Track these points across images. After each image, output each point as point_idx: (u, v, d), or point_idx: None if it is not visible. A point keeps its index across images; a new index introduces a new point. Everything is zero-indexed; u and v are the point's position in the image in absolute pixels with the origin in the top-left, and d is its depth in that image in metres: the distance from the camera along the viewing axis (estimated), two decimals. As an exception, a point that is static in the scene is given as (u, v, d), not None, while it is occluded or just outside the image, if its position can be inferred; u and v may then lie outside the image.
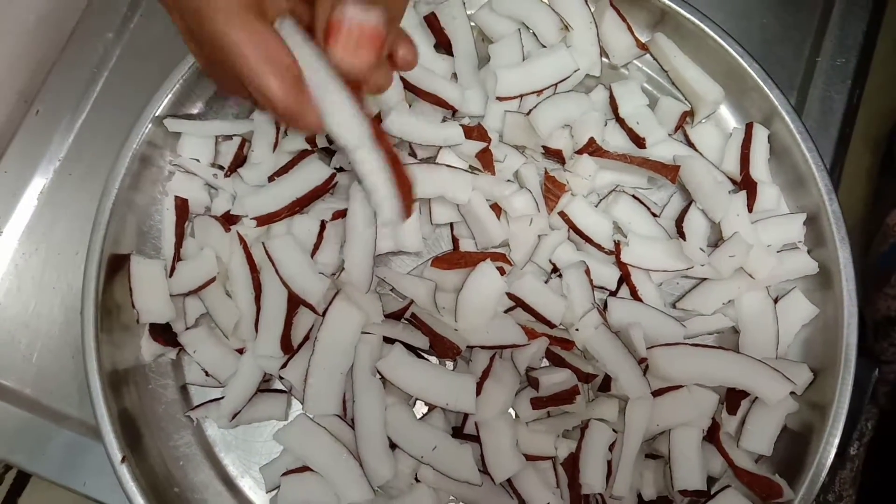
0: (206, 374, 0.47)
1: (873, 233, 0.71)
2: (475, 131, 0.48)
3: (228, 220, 0.48)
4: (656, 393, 0.45)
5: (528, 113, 0.48)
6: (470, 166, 0.48)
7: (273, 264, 0.46)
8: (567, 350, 0.46)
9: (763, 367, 0.44)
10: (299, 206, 0.47)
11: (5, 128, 0.56)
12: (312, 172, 0.47)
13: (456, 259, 0.46)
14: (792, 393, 0.45)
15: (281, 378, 0.47)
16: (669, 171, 0.47)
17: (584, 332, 0.45)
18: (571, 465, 0.45)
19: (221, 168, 0.50)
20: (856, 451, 0.72)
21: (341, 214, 0.47)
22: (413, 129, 0.46)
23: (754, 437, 0.44)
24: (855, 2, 0.54)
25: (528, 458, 0.44)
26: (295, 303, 0.46)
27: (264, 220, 0.47)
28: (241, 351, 0.48)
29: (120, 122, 0.52)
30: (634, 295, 0.47)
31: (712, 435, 0.45)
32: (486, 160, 0.47)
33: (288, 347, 0.46)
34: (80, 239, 0.52)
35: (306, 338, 0.47)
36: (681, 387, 0.45)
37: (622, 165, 0.47)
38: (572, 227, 0.47)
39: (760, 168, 0.48)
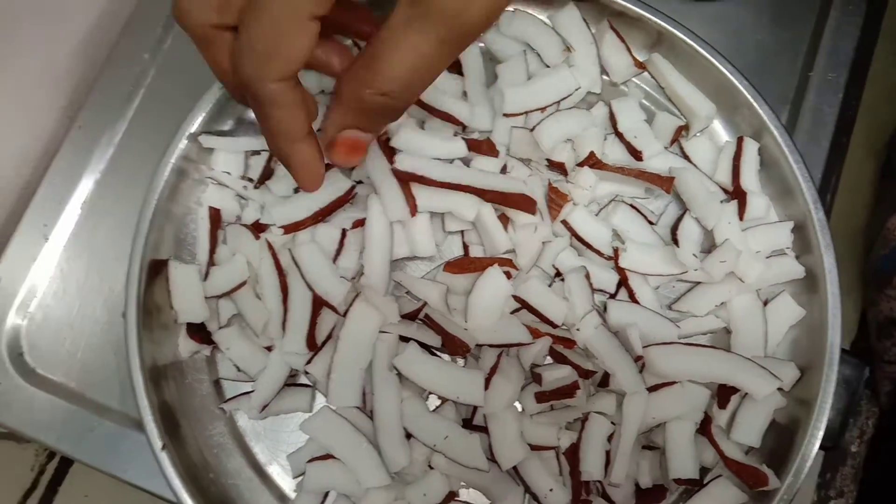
0: (238, 369, 0.50)
1: (875, 237, 0.74)
2: (484, 145, 0.50)
3: (258, 228, 0.50)
4: (651, 389, 0.47)
5: (533, 129, 0.50)
6: None
7: (299, 269, 0.48)
8: (569, 348, 0.48)
9: (752, 365, 0.46)
10: (322, 215, 0.49)
11: (50, 142, 0.59)
12: (334, 184, 0.50)
13: (466, 264, 0.48)
14: (780, 389, 0.47)
15: (306, 373, 0.49)
16: (664, 182, 0.49)
17: (585, 332, 0.47)
18: (573, 454, 0.47)
19: (251, 180, 0.52)
20: (857, 449, 0.74)
21: (360, 223, 0.50)
22: (420, 144, 0.48)
23: (744, 429, 0.47)
24: (846, 20, 0.56)
25: (533, 447, 0.46)
26: (319, 304, 0.48)
27: (290, 228, 0.49)
28: (269, 348, 0.50)
29: (156, 137, 0.53)
30: (632, 297, 0.49)
31: (704, 428, 0.47)
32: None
33: (313, 345, 0.49)
34: (120, 245, 0.54)
35: (329, 336, 0.49)
36: (674, 383, 0.47)
37: (620, 177, 0.50)
38: (574, 234, 0.49)
39: (751, 179, 0.50)
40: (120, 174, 0.56)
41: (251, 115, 0.53)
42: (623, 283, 0.50)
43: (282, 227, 0.50)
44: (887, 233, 0.69)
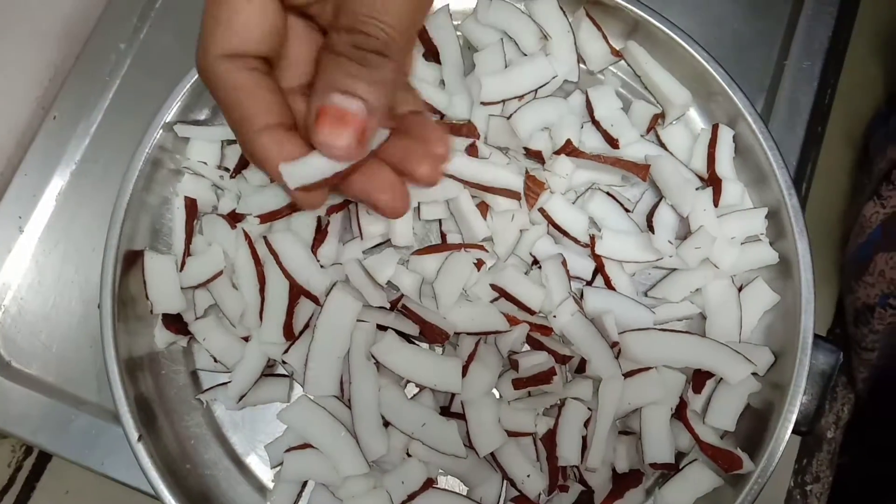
0: (215, 360, 0.50)
1: (851, 225, 0.74)
2: (464, 128, 0.50)
3: (234, 217, 0.50)
4: (627, 374, 0.47)
5: (510, 117, 0.50)
6: None
7: (276, 258, 0.48)
8: (545, 335, 0.48)
9: (726, 350, 0.47)
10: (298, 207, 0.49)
11: (25, 133, 0.58)
12: None
13: (433, 248, 0.49)
14: (754, 374, 0.48)
15: (283, 363, 0.49)
16: (640, 170, 0.49)
17: (561, 319, 0.48)
18: (550, 439, 0.47)
19: (227, 170, 0.52)
20: (833, 435, 0.75)
21: (338, 209, 0.49)
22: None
23: (719, 414, 0.47)
24: (822, 9, 0.56)
25: (510, 433, 0.47)
26: (296, 293, 0.48)
27: (266, 217, 0.49)
28: (246, 339, 0.50)
29: (131, 127, 0.54)
30: (608, 284, 0.49)
31: (680, 412, 0.47)
32: (473, 155, 0.49)
33: (290, 334, 0.48)
34: (96, 236, 0.54)
35: (306, 326, 0.49)
36: (650, 368, 0.47)
37: (597, 164, 0.50)
38: (551, 222, 0.49)
39: (725, 166, 0.50)
40: (95, 165, 0.56)
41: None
42: (599, 270, 0.50)
43: (258, 216, 0.49)
44: (864, 220, 0.70)
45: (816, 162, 0.57)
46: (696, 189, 0.50)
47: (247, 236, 0.50)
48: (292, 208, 0.50)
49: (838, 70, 0.58)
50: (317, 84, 0.33)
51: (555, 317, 0.48)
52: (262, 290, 0.49)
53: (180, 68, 0.53)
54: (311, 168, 0.33)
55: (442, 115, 0.51)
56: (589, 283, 0.50)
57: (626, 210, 0.51)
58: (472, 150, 0.50)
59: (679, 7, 0.57)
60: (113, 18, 0.58)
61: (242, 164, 0.52)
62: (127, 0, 0.58)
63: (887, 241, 0.63)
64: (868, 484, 0.70)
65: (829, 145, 0.59)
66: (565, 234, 0.50)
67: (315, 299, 0.49)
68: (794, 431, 0.46)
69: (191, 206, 0.51)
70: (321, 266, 0.49)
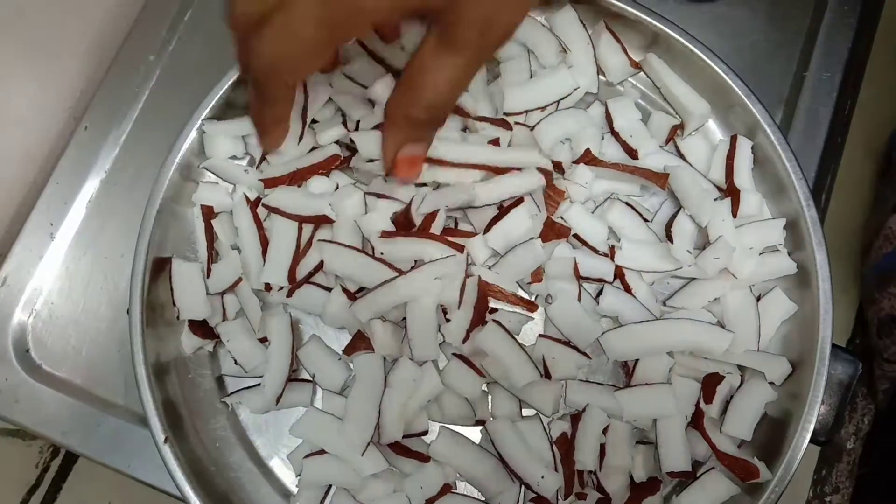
0: (235, 361, 0.51)
1: (872, 236, 0.74)
2: (501, 121, 0.50)
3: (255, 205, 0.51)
4: (639, 385, 0.47)
5: (532, 128, 0.51)
6: None
7: (279, 212, 0.49)
8: (532, 311, 0.50)
9: (702, 325, 0.47)
10: (300, 176, 0.50)
11: (56, 142, 0.60)
12: (321, 151, 0.51)
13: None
14: (771, 383, 0.48)
15: (286, 305, 0.51)
16: (659, 179, 0.50)
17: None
18: (564, 443, 0.48)
19: (251, 159, 0.53)
20: (853, 445, 0.74)
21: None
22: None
23: (735, 423, 0.47)
24: (841, 20, 0.56)
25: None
26: (301, 250, 0.49)
27: (269, 183, 0.50)
28: (262, 340, 0.51)
29: (160, 137, 0.56)
30: (628, 292, 0.49)
31: (697, 421, 0.47)
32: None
33: (293, 279, 0.49)
34: (125, 243, 0.55)
35: (310, 274, 0.50)
36: (663, 383, 0.47)
37: (616, 173, 0.50)
38: (561, 234, 0.49)
39: (744, 177, 0.50)
40: (125, 174, 0.57)
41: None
42: (619, 278, 0.50)
43: (261, 180, 0.51)
44: (889, 232, 0.69)
45: (836, 173, 0.57)
46: (715, 200, 0.50)
47: (247, 200, 0.51)
48: (294, 178, 0.51)
49: (858, 81, 0.58)
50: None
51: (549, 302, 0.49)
52: (264, 253, 0.50)
53: (208, 79, 0.54)
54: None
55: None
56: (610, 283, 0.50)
57: (645, 220, 0.51)
58: (494, 142, 0.50)
59: (698, 19, 0.57)
60: (143, 31, 0.60)
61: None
62: (156, 13, 0.60)
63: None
64: (888, 495, 0.70)
65: (849, 156, 0.59)
66: (584, 243, 0.50)
67: (327, 219, 0.49)
68: (812, 441, 0.46)
69: (208, 213, 0.52)
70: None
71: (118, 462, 0.52)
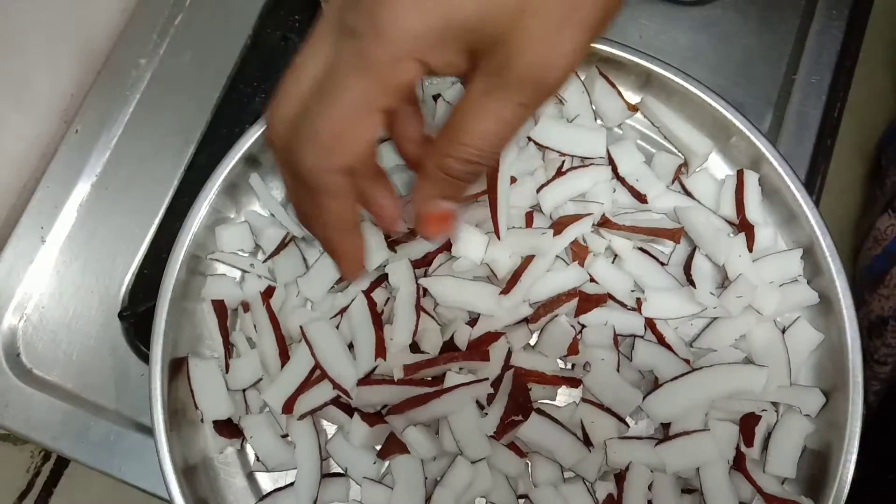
0: (257, 458, 0.48)
1: (864, 238, 0.75)
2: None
3: (268, 294, 0.49)
4: (678, 435, 0.46)
5: (539, 190, 0.49)
6: None
7: (310, 347, 0.46)
8: (574, 386, 0.48)
9: (737, 367, 0.46)
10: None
11: (48, 146, 0.58)
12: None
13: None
14: (807, 416, 0.47)
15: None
16: (674, 235, 0.48)
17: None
18: (610, 502, 0.46)
19: (260, 249, 0.51)
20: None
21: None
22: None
23: (777, 461, 0.46)
24: (830, 23, 0.56)
25: None
26: (311, 380, 0.47)
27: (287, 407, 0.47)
28: (285, 436, 0.48)
29: (151, 141, 0.56)
30: (661, 341, 0.48)
31: (739, 464, 0.46)
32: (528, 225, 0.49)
33: (288, 409, 0.47)
34: (116, 246, 0.54)
35: (310, 412, 0.47)
36: (703, 430, 0.46)
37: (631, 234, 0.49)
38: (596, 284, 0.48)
39: (755, 210, 0.49)
40: (116, 178, 0.56)
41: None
42: (651, 328, 0.48)
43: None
44: (878, 233, 0.70)
45: (826, 176, 0.56)
46: (728, 236, 0.49)
47: (269, 308, 0.49)
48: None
49: (848, 84, 0.57)
50: (418, 192, 0.39)
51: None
52: (281, 353, 0.48)
53: (199, 83, 0.55)
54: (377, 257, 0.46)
55: None
56: (641, 337, 0.49)
57: (662, 263, 0.50)
58: (528, 218, 0.49)
59: (688, 22, 0.57)
60: (133, 35, 0.59)
61: (280, 248, 0.51)
62: (147, 17, 0.59)
63: (903, 253, 0.63)
64: (882, 499, 0.70)
65: (839, 158, 0.59)
66: (612, 297, 0.48)
67: (345, 392, 0.46)
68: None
69: (219, 308, 0.49)
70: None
71: (109, 466, 0.51)
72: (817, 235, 0.47)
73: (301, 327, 0.47)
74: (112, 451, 0.51)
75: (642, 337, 0.48)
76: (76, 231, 0.56)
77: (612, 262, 0.50)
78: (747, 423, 0.46)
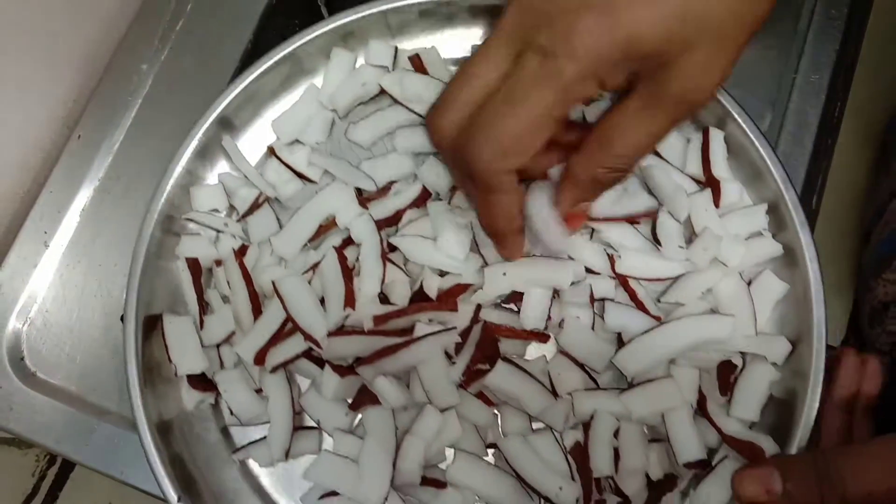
0: (231, 412, 0.49)
1: (870, 230, 0.74)
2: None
3: (241, 252, 0.50)
4: (642, 383, 0.47)
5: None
6: None
7: (281, 300, 0.48)
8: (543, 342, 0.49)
9: (703, 317, 0.47)
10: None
11: (50, 151, 0.59)
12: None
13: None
14: (774, 364, 0.47)
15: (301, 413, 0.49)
16: (650, 216, 0.49)
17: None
18: (579, 452, 0.47)
19: (233, 209, 0.53)
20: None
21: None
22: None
23: (742, 405, 0.46)
24: (829, 22, 0.56)
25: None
26: (285, 331, 0.48)
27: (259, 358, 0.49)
28: (259, 390, 0.49)
29: (153, 145, 0.56)
30: (634, 298, 0.49)
31: (702, 408, 0.47)
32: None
33: (260, 361, 0.48)
34: (119, 251, 0.55)
35: (282, 365, 0.48)
36: (665, 377, 0.47)
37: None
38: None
39: (721, 166, 0.50)
40: (118, 183, 0.57)
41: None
42: (623, 286, 0.49)
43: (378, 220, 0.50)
44: (889, 216, 0.68)
45: (827, 175, 0.57)
46: (694, 192, 0.50)
47: (236, 253, 0.50)
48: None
49: (848, 83, 0.57)
50: (563, 194, 0.43)
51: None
52: (254, 308, 0.49)
53: (201, 88, 0.55)
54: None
55: None
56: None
57: (635, 223, 0.50)
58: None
59: None
60: (135, 40, 0.59)
61: (253, 208, 0.52)
62: (149, 22, 0.59)
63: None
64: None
65: (841, 158, 0.59)
66: (590, 270, 0.49)
67: (316, 343, 0.47)
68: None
69: (193, 265, 0.51)
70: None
71: (113, 469, 0.51)
72: (782, 190, 0.48)
73: (273, 282, 0.48)
74: (116, 454, 0.52)
75: (613, 300, 0.49)
76: (79, 235, 0.56)
77: (591, 238, 0.51)
78: (723, 373, 0.47)
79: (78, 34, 0.60)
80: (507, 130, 0.38)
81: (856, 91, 0.61)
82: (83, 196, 0.57)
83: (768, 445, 0.45)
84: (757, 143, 0.49)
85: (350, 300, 0.46)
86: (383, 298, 0.49)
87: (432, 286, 0.48)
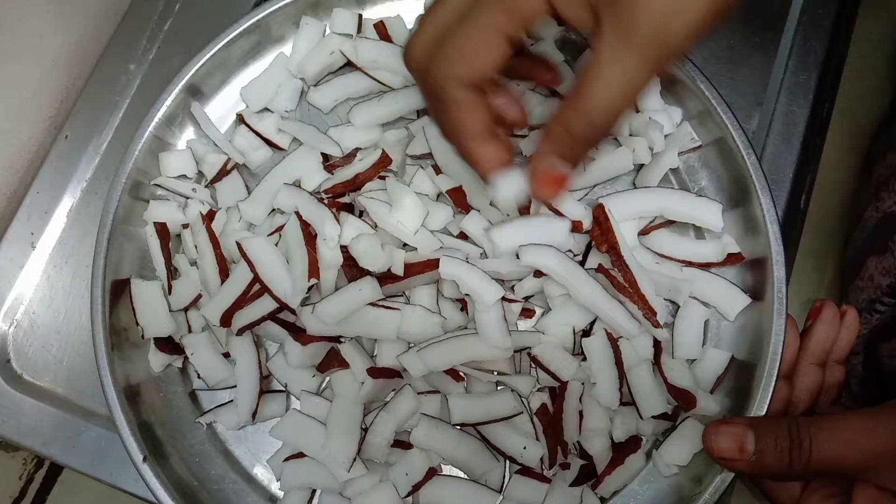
0: (198, 375, 0.50)
1: (851, 228, 0.74)
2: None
3: (209, 217, 0.51)
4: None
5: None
6: None
7: (250, 264, 0.48)
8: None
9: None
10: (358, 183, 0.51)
11: (38, 152, 0.60)
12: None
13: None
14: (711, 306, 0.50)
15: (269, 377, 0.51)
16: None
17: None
18: (545, 414, 0.48)
19: (202, 175, 0.54)
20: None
21: None
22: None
23: (683, 346, 0.48)
24: (817, 23, 0.57)
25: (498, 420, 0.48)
26: (250, 294, 0.49)
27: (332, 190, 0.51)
28: (226, 355, 0.51)
29: None
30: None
31: (656, 360, 0.48)
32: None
33: (226, 322, 0.49)
34: (106, 253, 0.55)
35: (248, 326, 0.49)
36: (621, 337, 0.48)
37: None
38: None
39: (653, 99, 0.52)
40: (105, 183, 0.57)
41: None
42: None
43: (326, 190, 0.51)
44: (863, 224, 0.70)
45: (815, 175, 0.58)
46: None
47: (203, 218, 0.51)
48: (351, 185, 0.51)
49: (836, 83, 0.59)
50: (538, 152, 0.41)
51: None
52: (222, 271, 0.50)
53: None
54: (513, 183, 0.43)
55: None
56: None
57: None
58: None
59: None
60: (123, 40, 0.60)
61: (221, 174, 0.53)
62: (136, 23, 0.60)
63: (877, 243, 0.61)
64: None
65: (830, 158, 0.60)
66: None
67: (286, 305, 0.48)
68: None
69: (162, 230, 0.52)
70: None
71: (101, 472, 0.52)
72: (744, 157, 0.49)
73: (238, 243, 0.49)
74: (103, 458, 0.52)
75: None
76: (66, 236, 0.57)
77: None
78: None
79: (65, 35, 0.61)
80: (456, 43, 0.39)
81: (844, 91, 0.61)
82: (70, 197, 0.58)
83: (705, 400, 0.47)
84: (699, 81, 0.51)
85: (314, 270, 0.47)
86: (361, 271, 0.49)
87: (399, 263, 0.49)
